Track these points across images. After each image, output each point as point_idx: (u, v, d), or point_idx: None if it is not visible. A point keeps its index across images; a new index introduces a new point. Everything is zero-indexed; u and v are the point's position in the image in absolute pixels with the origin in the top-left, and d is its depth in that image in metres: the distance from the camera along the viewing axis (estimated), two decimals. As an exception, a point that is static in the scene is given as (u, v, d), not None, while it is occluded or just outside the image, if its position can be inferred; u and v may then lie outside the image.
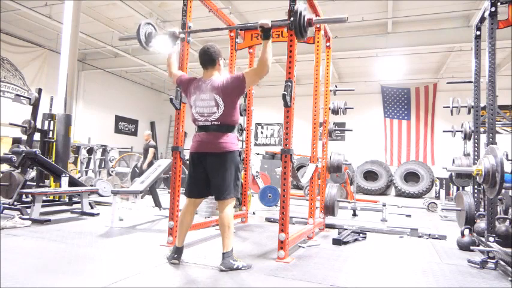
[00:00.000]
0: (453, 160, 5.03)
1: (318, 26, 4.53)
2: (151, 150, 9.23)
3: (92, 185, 7.99)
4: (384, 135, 14.33)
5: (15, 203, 5.23)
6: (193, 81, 3.05)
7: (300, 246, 3.80)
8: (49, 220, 4.68)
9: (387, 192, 13.57)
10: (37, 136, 6.60)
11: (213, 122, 2.90)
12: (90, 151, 10.05)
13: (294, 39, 3.23)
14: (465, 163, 4.76)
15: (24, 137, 6.77)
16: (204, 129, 2.95)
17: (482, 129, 4.34)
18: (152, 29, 3.63)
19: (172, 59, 3.34)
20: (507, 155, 4.83)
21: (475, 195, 4.46)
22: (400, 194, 12.86)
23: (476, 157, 4.36)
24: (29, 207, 4.89)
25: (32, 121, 6.39)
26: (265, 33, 2.89)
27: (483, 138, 3.86)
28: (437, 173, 12.29)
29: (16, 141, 8.43)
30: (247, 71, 2.94)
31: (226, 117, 2.90)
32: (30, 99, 6.51)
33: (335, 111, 5.75)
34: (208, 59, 3.00)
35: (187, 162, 3.12)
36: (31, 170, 5.71)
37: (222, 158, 2.89)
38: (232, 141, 2.94)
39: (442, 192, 11.16)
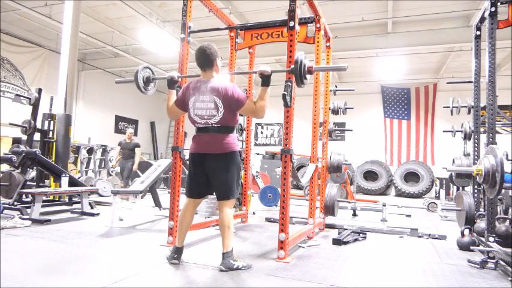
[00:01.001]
0: (453, 160, 5.03)
1: (318, 26, 4.53)
2: (138, 150, 8.57)
3: (92, 185, 7.99)
4: (384, 135, 14.34)
5: (15, 203, 5.23)
6: (189, 85, 3.00)
7: (300, 246, 3.80)
8: (49, 220, 4.68)
9: (387, 192, 13.57)
10: (37, 136, 6.60)
11: (213, 125, 2.89)
12: (90, 151, 10.06)
13: (294, 39, 3.24)
14: (465, 163, 4.76)
15: (24, 137, 6.77)
16: (204, 131, 2.94)
17: (482, 129, 4.34)
18: (150, 72, 3.66)
19: (172, 98, 3.17)
20: (507, 155, 4.83)
21: (475, 195, 4.47)
22: (400, 194, 12.86)
23: (476, 157, 4.36)
24: (29, 207, 4.89)
25: (32, 121, 6.39)
26: (265, 80, 2.89)
27: (483, 138, 3.86)
28: (437, 173, 12.29)
29: (16, 141, 8.44)
30: (251, 101, 2.89)
31: (226, 120, 2.89)
32: (30, 99, 6.51)
33: (335, 111, 5.75)
34: (205, 60, 2.96)
35: (187, 162, 3.12)
36: (31, 170, 5.71)
37: (223, 158, 2.89)
38: (232, 141, 2.94)
39: (442, 192, 11.16)
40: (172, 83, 3.23)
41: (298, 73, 2.98)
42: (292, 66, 3.02)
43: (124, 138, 8.70)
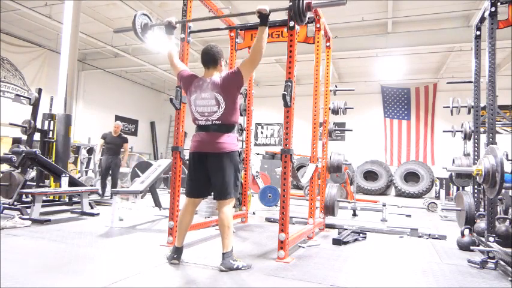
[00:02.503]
0: (453, 160, 5.03)
1: (318, 26, 4.53)
2: (127, 146, 7.83)
3: (92, 185, 7.99)
4: (384, 135, 14.34)
5: (15, 203, 5.23)
6: (194, 79, 3.04)
7: (300, 246, 3.80)
8: (49, 220, 4.68)
9: (387, 192, 13.57)
10: (37, 136, 6.61)
11: (213, 122, 2.90)
12: (90, 151, 10.05)
13: (294, 39, 3.24)
14: (465, 163, 4.76)
15: (24, 137, 6.77)
16: (204, 129, 2.94)
17: (482, 129, 4.34)
18: (148, 19, 3.62)
19: (172, 52, 3.27)
20: (507, 155, 4.82)
21: (475, 195, 4.46)
22: (400, 194, 12.86)
23: (476, 157, 4.36)
24: (29, 207, 4.89)
25: (32, 121, 6.39)
26: (263, 19, 2.89)
27: (483, 138, 3.86)
28: (437, 173, 12.29)
29: (16, 141, 8.44)
30: (241, 64, 2.94)
31: (227, 117, 2.90)
32: (30, 99, 6.51)
33: (335, 111, 5.75)
34: (210, 58, 3.01)
35: (187, 162, 3.12)
36: (31, 170, 5.71)
37: (222, 158, 2.89)
38: (232, 141, 2.94)
39: (442, 192, 11.16)
40: (170, 29, 3.32)
41: (296, 9, 2.96)
42: (291, 3, 3.00)
43: (109, 131, 7.64)
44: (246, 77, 2.93)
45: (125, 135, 7.90)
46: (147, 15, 3.64)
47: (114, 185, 7.48)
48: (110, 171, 7.48)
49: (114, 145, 7.56)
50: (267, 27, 2.91)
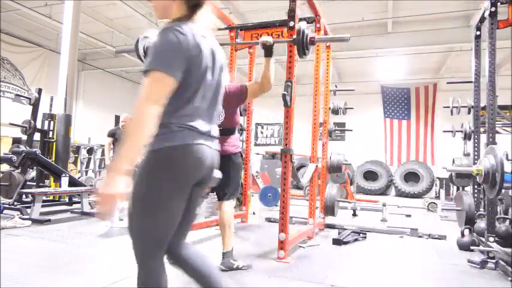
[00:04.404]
0: (453, 160, 5.03)
1: (318, 26, 4.53)
2: None
3: (91, 185, 7.99)
4: (384, 135, 14.33)
5: (15, 203, 5.22)
6: None
7: (300, 246, 3.80)
8: (49, 220, 4.68)
9: (387, 192, 13.56)
10: (37, 136, 6.60)
11: None
12: (90, 151, 10.05)
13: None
14: (465, 163, 4.76)
15: (24, 137, 6.77)
16: None
17: (482, 129, 4.34)
18: (150, 42, 3.62)
19: None
20: (507, 155, 4.83)
21: (475, 195, 4.47)
22: (400, 194, 12.85)
23: (476, 157, 4.36)
24: (29, 207, 4.88)
25: (32, 121, 6.39)
26: (267, 50, 2.86)
27: (483, 138, 3.86)
28: (437, 173, 12.28)
29: (16, 141, 8.44)
30: (250, 84, 2.88)
31: (227, 122, 2.90)
32: (30, 99, 6.51)
33: (335, 111, 5.75)
34: None
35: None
36: (31, 170, 5.71)
37: (225, 160, 2.89)
38: (234, 143, 2.95)
39: (442, 192, 11.16)
40: None
41: (300, 43, 2.97)
42: (295, 36, 3.00)
43: (117, 126, 6.36)
44: (249, 99, 2.93)
45: None
46: (150, 37, 3.63)
47: None
48: None
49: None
50: (271, 58, 2.86)
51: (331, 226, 5.07)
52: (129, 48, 3.61)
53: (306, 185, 4.99)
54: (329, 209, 4.93)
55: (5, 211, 5.02)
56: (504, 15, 3.60)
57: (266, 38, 2.87)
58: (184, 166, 1.38)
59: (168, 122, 1.33)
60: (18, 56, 11.00)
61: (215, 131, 1.60)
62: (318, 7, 4.36)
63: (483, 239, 3.60)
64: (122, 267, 2.87)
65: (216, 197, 3.02)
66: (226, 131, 2.91)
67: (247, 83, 2.92)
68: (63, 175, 5.66)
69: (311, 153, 4.65)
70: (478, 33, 4.39)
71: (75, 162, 9.54)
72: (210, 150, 1.51)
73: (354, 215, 6.56)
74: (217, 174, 1.70)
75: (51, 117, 6.68)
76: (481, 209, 4.29)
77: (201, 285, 1.51)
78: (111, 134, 6.08)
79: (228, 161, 2.89)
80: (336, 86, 6.01)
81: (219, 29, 5.10)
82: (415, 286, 2.70)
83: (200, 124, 1.43)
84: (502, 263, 3.16)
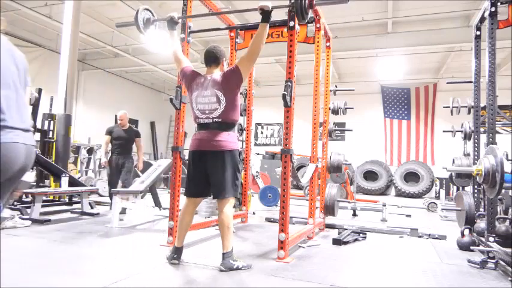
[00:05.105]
0: (453, 160, 5.03)
1: (318, 26, 4.53)
2: (140, 142, 6.18)
3: (92, 185, 7.99)
4: (384, 135, 14.33)
5: (15, 203, 5.23)
6: (196, 76, 3.04)
7: (300, 246, 3.80)
8: (49, 220, 4.68)
9: (387, 192, 13.56)
10: (37, 136, 6.60)
11: (214, 119, 2.90)
12: (90, 151, 10.06)
13: (294, 39, 3.24)
14: (465, 163, 4.76)
15: (24, 137, 6.76)
16: (204, 127, 2.94)
17: (482, 129, 4.34)
18: (150, 14, 3.64)
19: (176, 48, 3.27)
20: (507, 155, 4.82)
21: (475, 195, 4.46)
22: (400, 194, 12.86)
23: (476, 157, 4.36)
24: (29, 207, 4.89)
25: (32, 121, 6.39)
26: (265, 15, 2.88)
27: (483, 138, 3.86)
28: (437, 173, 12.28)
29: (16, 141, 8.43)
30: (239, 60, 2.93)
31: (227, 114, 2.90)
32: (30, 99, 6.48)
33: (335, 111, 5.75)
34: (213, 57, 3.03)
35: (187, 161, 3.12)
36: (31, 170, 5.70)
37: (222, 156, 2.89)
38: (232, 140, 2.94)
39: (442, 192, 11.16)
40: (172, 24, 3.32)
41: (298, 6, 2.97)
42: (293, 0, 3.00)
43: (116, 124, 6.06)
44: (245, 74, 2.92)
45: (137, 129, 6.35)
46: (150, 10, 3.64)
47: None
48: (121, 178, 5.78)
49: (124, 141, 5.90)
50: (268, 24, 2.89)
51: (331, 226, 5.08)
52: (129, 22, 3.62)
53: (306, 185, 5.00)
54: (329, 209, 4.93)
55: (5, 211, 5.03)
56: (504, 15, 3.60)
57: (265, 3, 2.88)
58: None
59: None
60: (18, 56, 11.00)
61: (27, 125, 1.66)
62: (318, 7, 4.36)
63: (483, 239, 3.60)
64: (122, 267, 2.87)
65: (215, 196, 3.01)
66: (225, 125, 2.91)
67: (237, 62, 2.94)
68: (63, 175, 5.66)
69: (311, 153, 4.65)
70: (478, 33, 4.39)
71: (75, 162, 9.55)
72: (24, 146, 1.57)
73: (354, 215, 6.56)
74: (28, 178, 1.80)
75: (51, 117, 6.68)
76: (481, 209, 4.29)
77: None
78: (109, 132, 5.90)
79: (224, 158, 2.88)
80: (336, 86, 6.00)
81: (219, 29, 5.11)
82: (415, 286, 2.70)
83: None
84: (502, 263, 3.16)
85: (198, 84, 2.98)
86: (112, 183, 5.77)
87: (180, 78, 3.22)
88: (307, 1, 2.98)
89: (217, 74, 2.98)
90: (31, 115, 6.45)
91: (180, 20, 3.45)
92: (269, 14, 2.88)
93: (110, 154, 5.89)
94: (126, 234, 4.18)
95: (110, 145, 5.92)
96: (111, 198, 5.41)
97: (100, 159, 8.94)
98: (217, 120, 2.90)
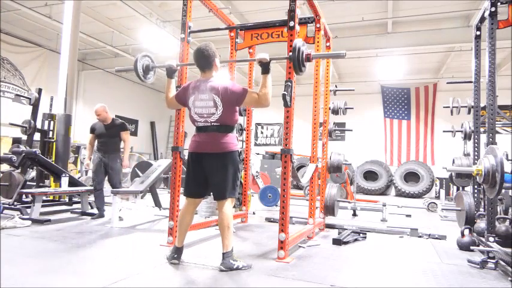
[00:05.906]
0: (453, 160, 5.03)
1: (318, 26, 4.53)
2: (127, 136, 5.40)
3: (91, 185, 7.98)
4: (384, 135, 14.34)
5: (15, 203, 5.23)
6: (189, 85, 3.04)
7: (300, 246, 3.80)
8: (49, 220, 4.68)
9: (387, 192, 13.57)
10: (37, 136, 6.61)
11: (212, 123, 2.90)
12: (90, 151, 10.03)
13: (294, 40, 3.23)
14: (465, 163, 4.76)
15: (24, 137, 6.77)
16: (203, 130, 2.94)
17: (482, 129, 4.34)
18: (149, 61, 3.67)
19: (171, 87, 3.23)
20: (507, 155, 4.83)
21: (475, 195, 4.46)
22: (400, 194, 12.86)
23: (476, 157, 4.36)
24: (29, 207, 4.89)
25: (32, 121, 6.39)
26: (265, 67, 2.88)
27: (483, 138, 3.86)
28: (437, 173, 12.29)
29: (16, 141, 8.41)
30: (250, 93, 2.89)
31: (225, 118, 2.90)
32: (30, 99, 6.51)
33: (335, 111, 5.75)
34: (204, 62, 2.99)
35: (186, 162, 3.12)
36: (31, 170, 5.71)
37: (221, 158, 2.89)
38: (231, 141, 2.94)
39: (442, 192, 11.16)
40: (171, 72, 3.27)
41: (296, 60, 2.98)
42: (291, 53, 3.01)
43: (97, 120, 5.37)
44: (245, 104, 2.94)
45: (122, 121, 5.57)
46: (149, 56, 3.66)
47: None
48: (107, 177, 5.25)
49: (105, 138, 5.25)
50: (269, 74, 2.88)
51: (331, 226, 5.08)
52: (129, 67, 3.67)
53: (306, 185, 4.99)
54: (329, 209, 4.93)
55: (5, 211, 5.03)
56: (504, 15, 3.59)
57: (263, 55, 2.89)
58: None
59: None
60: (18, 56, 11.00)
61: None
62: (318, 7, 4.36)
63: (483, 239, 3.60)
64: (122, 267, 2.87)
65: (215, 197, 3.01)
66: (223, 127, 2.91)
67: (250, 90, 2.92)
68: (63, 175, 5.66)
69: (311, 153, 4.65)
70: (478, 33, 4.39)
71: (75, 162, 9.55)
72: None
73: (354, 215, 6.56)
74: None
75: (51, 117, 6.68)
76: (481, 209, 4.29)
77: None
78: (92, 130, 5.43)
79: (223, 159, 2.88)
80: (336, 86, 6.00)
81: (219, 29, 5.11)
82: (415, 286, 2.70)
83: None
84: (502, 263, 3.16)
85: (195, 88, 2.97)
86: (97, 182, 5.17)
87: (177, 100, 3.12)
88: (305, 55, 2.99)
89: (216, 80, 2.95)
90: (31, 115, 6.45)
91: (178, 68, 3.43)
92: (268, 65, 2.88)
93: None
94: (126, 234, 4.18)
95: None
96: (94, 196, 5.19)
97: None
98: (215, 124, 2.89)
